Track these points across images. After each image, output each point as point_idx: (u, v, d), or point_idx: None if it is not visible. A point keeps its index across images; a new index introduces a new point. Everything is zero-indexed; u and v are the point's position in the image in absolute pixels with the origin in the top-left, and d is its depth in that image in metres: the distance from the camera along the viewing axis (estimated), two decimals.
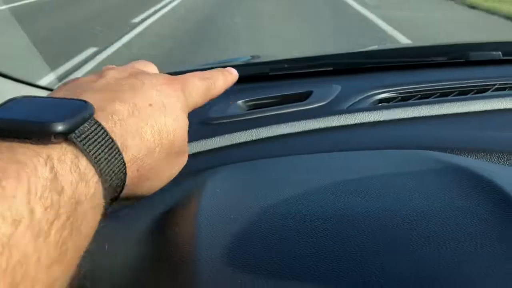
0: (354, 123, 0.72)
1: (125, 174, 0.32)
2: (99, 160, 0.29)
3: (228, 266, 0.36)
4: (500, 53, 0.96)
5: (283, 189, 0.47)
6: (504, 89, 0.80)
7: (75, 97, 0.32)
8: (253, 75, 0.94)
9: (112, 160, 0.30)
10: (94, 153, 0.29)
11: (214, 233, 0.40)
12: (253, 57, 1.20)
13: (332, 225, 0.40)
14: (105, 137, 0.30)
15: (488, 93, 0.78)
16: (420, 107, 0.75)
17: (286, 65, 0.98)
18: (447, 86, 0.81)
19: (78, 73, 4.06)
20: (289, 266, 0.35)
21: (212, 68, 0.60)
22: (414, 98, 0.79)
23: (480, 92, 0.79)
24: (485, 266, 0.34)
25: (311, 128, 0.72)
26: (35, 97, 0.31)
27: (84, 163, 0.28)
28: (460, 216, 0.39)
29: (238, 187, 0.50)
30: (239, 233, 0.40)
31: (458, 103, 0.75)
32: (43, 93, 0.90)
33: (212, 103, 0.82)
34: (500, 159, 0.58)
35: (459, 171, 0.47)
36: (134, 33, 5.63)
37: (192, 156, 0.66)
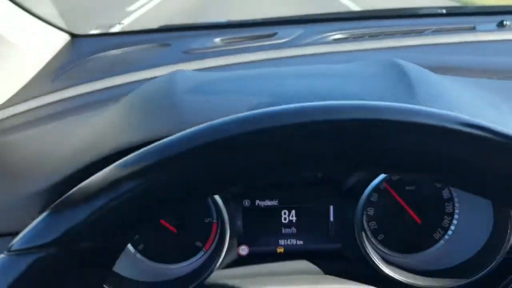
0: (312, 53, 0.87)
1: None
2: None
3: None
4: (444, 10, 1.11)
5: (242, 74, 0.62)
6: (440, 31, 0.95)
7: None
8: (230, 24, 1.08)
9: None
10: None
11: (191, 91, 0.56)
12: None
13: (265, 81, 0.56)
14: None
15: (425, 33, 0.93)
16: (368, 41, 0.90)
17: (260, 20, 1.13)
18: (393, 30, 0.96)
19: None
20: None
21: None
22: (363, 38, 0.94)
23: (418, 33, 0.94)
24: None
25: (274, 57, 0.86)
26: None
27: None
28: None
29: (203, 75, 0.66)
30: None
31: (400, 39, 0.91)
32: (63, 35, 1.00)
33: (194, 39, 0.96)
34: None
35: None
36: None
37: None
